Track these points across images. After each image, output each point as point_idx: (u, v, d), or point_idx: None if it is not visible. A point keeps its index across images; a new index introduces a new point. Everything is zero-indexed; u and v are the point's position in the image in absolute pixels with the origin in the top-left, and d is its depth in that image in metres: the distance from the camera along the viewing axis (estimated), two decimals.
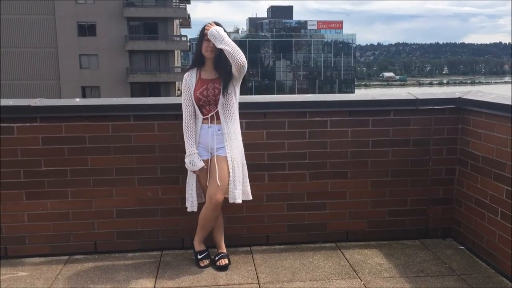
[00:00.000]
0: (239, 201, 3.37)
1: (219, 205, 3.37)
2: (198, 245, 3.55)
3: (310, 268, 3.47)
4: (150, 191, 3.69)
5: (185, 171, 3.58)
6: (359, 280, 3.30)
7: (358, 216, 3.89)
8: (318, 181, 3.80)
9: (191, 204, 3.44)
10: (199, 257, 3.51)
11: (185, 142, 3.35)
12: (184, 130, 3.36)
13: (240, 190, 3.38)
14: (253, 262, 3.57)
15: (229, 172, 3.32)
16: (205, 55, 3.31)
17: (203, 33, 3.29)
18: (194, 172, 3.37)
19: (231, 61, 3.18)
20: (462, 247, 3.81)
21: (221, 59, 3.25)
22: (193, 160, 3.32)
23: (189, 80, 3.37)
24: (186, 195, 3.47)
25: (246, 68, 3.22)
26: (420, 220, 3.95)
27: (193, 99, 3.33)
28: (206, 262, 3.49)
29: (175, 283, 3.27)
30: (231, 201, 3.35)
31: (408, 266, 3.49)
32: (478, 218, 3.60)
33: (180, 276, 3.36)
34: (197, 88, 3.33)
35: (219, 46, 3.17)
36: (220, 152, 3.35)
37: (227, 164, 3.32)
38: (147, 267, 3.50)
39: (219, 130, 3.34)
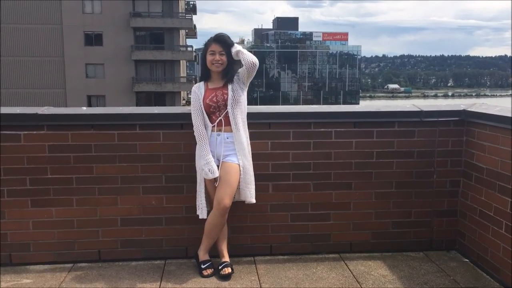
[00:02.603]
0: (253, 200, 3.49)
1: (227, 210, 3.39)
2: (202, 255, 3.56)
3: (314, 279, 3.47)
4: (154, 200, 3.71)
5: (190, 180, 3.61)
6: None
7: (362, 227, 3.88)
8: (322, 191, 3.81)
9: (201, 211, 3.49)
10: (202, 266, 3.51)
11: (201, 150, 3.39)
12: (198, 139, 3.41)
13: (252, 190, 3.49)
14: (257, 272, 3.57)
15: (240, 178, 3.41)
16: (211, 69, 3.42)
17: (207, 48, 3.42)
18: (214, 179, 3.41)
19: (243, 61, 3.35)
20: (466, 260, 3.79)
21: (228, 69, 3.41)
22: (212, 167, 3.35)
23: (198, 91, 3.46)
24: (197, 202, 3.53)
25: (257, 67, 3.37)
26: (424, 232, 3.94)
27: (202, 108, 3.41)
28: (210, 271, 3.49)
29: None
30: (247, 201, 3.47)
31: (412, 278, 3.48)
32: (483, 231, 3.59)
33: (184, 285, 3.36)
34: (206, 96, 3.42)
35: (234, 49, 3.36)
36: (229, 158, 3.40)
37: (237, 171, 3.39)
38: (151, 276, 3.50)
39: (227, 138, 3.40)
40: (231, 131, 3.41)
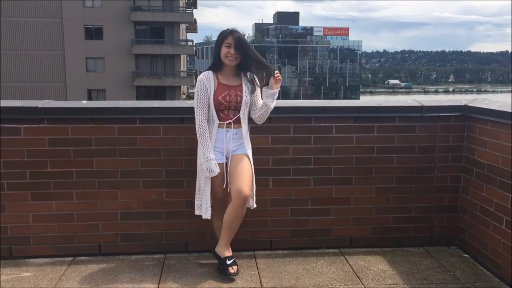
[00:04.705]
0: (254, 205, 3.48)
1: (247, 200, 3.31)
2: (225, 251, 3.40)
3: (314, 274, 3.47)
4: (154, 194, 3.70)
5: (190, 174, 3.60)
6: (362, 286, 3.30)
7: (362, 223, 3.88)
8: (323, 186, 3.80)
9: (205, 210, 3.33)
10: (228, 262, 3.36)
11: (201, 147, 3.28)
12: (199, 135, 3.28)
13: (253, 195, 3.46)
14: (257, 266, 3.57)
15: (252, 169, 3.36)
16: (224, 62, 3.29)
17: (223, 39, 3.28)
18: (222, 179, 3.33)
19: (260, 116, 3.40)
20: (466, 255, 3.79)
21: (244, 66, 3.31)
22: (211, 166, 3.24)
23: (207, 82, 3.29)
24: (197, 202, 3.40)
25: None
26: (424, 228, 3.93)
27: (212, 102, 3.28)
28: (235, 268, 3.37)
29: (178, 286, 3.27)
30: (248, 206, 3.42)
31: (412, 274, 3.48)
32: (483, 226, 3.59)
33: (183, 279, 3.36)
34: (218, 92, 3.28)
35: (267, 101, 3.32)
36: (239, 151, 3.35)
37: (248, 160, 3.35)
38: (151, 270, 3.50)
39: (236, 134, 3.34)
40: (239, 127, 3.35)
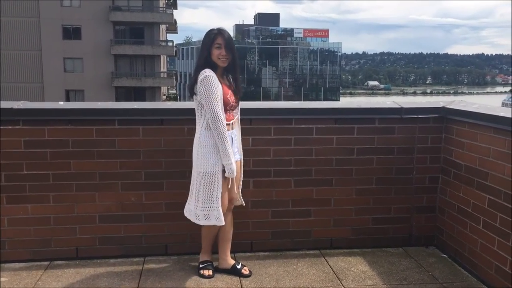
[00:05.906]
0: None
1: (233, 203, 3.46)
2: (229, 261, 3.47)
3: (294, 275, 3.47)
4: (133, 197, 3.65)
5: (170, 176, 3.57)
6: (342, 287, 3.30)
7: (343, 224, 3.89)
8: (303, 188, 3.80)
9: (217, 217, 3.20)
10: (238, 267, 3.45)
11: (226, 147, 3.12)
12: (222, 135, 3.11)
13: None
14: None
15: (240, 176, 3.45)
16: (217, 63, 3.19)
17: (212, 40, 3.17)
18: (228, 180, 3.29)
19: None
20: (444, 255, 3.84)
21: (233, 66, 3.28)
22: (235, 166, 3.23)
23: (216, 81, 3.14)
24: (204, 211, 3.20)
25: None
26: (403, 228, 3.97)
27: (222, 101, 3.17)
28: (247, 269, 3.47)
29: None
30: (238, 204, 3.49)
31: (391, 274, 3.51)
32: (461, 227, 3.63)
33: (163, 283, 3.32)
34: (224, 91, 3.19)
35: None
36: (236, 156, 3.35)
37: (240, 166, 3.42)
38: (129, 274, 3.45)
39: (236, 135, 3.36)
40: (237, 127, 3.38)
